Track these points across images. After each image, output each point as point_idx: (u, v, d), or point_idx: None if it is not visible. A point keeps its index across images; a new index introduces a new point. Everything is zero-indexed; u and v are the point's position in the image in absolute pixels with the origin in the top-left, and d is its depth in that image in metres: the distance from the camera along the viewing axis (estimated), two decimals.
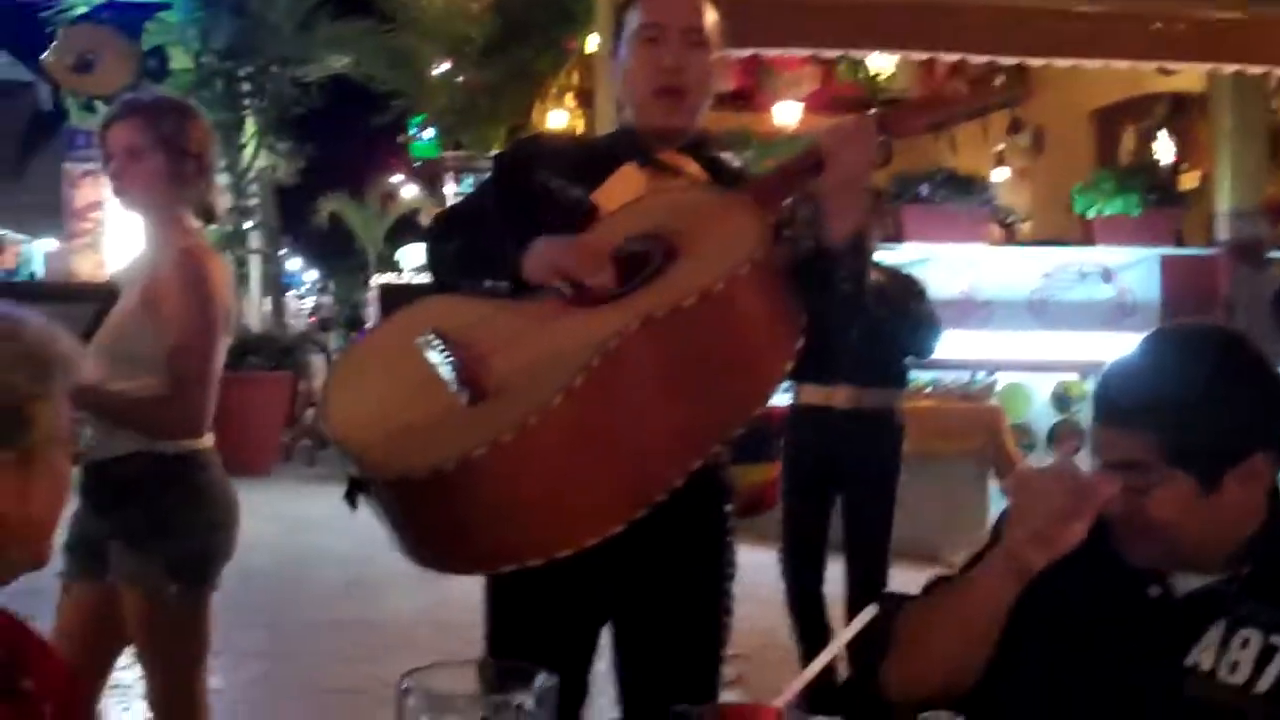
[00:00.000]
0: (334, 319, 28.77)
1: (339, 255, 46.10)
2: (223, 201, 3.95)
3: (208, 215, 3.86)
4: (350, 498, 2.45)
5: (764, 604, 5.74)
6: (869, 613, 1.66)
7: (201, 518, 3.61)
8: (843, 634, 1.66)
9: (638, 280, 2.42)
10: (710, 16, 2.89)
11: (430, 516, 2.33)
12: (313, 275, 53.04)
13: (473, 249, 2.78)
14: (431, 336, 2.44)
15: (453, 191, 37.02)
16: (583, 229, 2.64)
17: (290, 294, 31.70)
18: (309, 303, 38.86)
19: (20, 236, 39.49)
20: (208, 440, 3.66)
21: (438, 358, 2.39)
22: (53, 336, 1.66)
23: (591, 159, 2.90)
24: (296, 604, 8.06)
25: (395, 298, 21.52)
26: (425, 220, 36.52)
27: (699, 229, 2.49)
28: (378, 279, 29.27)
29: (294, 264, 40.53)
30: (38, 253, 39.08)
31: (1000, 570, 2.04)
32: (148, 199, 3.73)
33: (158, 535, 3.52)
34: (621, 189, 2.79)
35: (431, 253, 2.95)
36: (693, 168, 2.90)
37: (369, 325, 23.43)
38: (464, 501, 2.26)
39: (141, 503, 3.51)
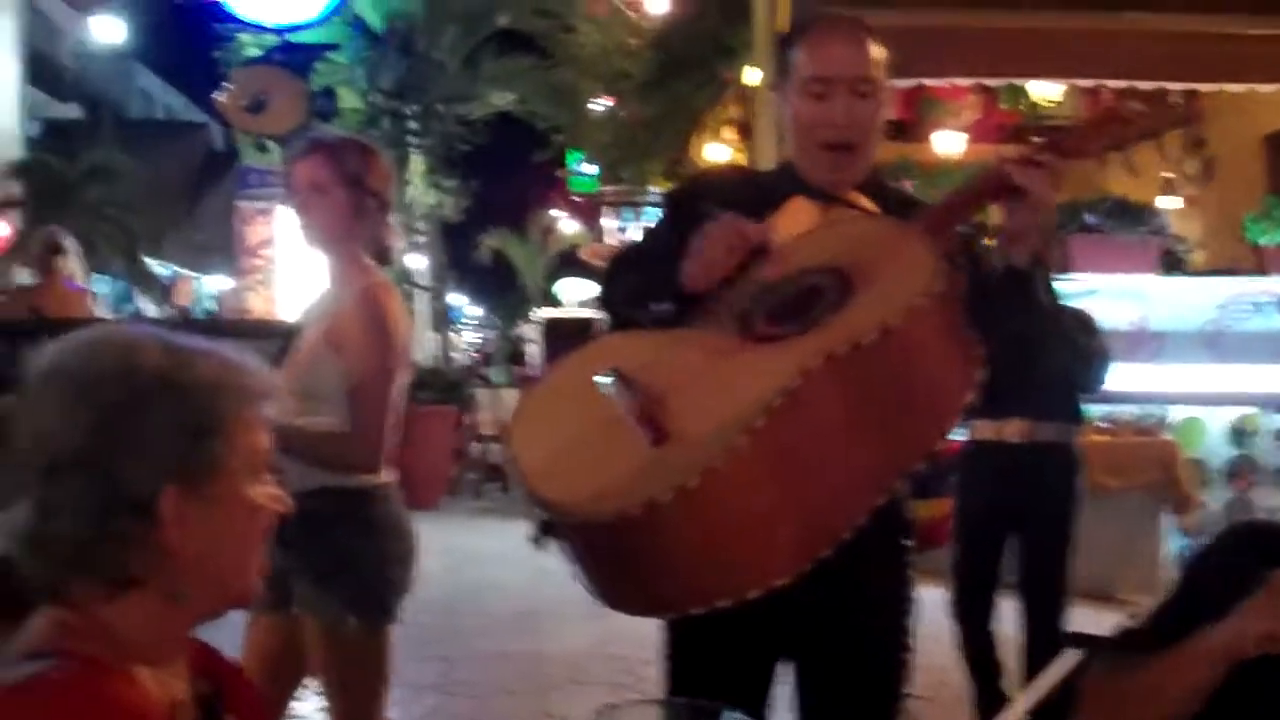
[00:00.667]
0: (495, 353, 29.07)
1: (501, 290, 46.63)
2: (398, 242, 3.99)
3: (382, 256, 3.91)
4: (537, 539, 2.46)
5: (934, 642, 5.65)
6: (1070, 659, 1.63)
7: (381, 552, 3.66)
8: (1043, 677, 1.63)
9: (814, 316, 2.40)
10: (877, 54, 2.85)
11: (618, 559, 2.33)
12: (475, 310, 53.69)
13: (647, 286, 2.78)
14: (612, 374, 2.45)
15: (612, 226, 37.36)
16: (754, 261, 2.64)
17: (453, 329, 32.09)
18: (471, 338, 39.32)
19: (193, 274, 40.64)
20: (386, 475, 3.71)
21: (618, 398, 2.40)
22: (252, 369, 1.68)
23: (761, 192, 2.89)
24: (467, 637, 8.13)
25: (558, 332, 21.73)
26: (585, 255, 36.86)
27: (874, 262, 2.47)
28: (540, 313, 29.53)
29: (456, 299, 41.05)
30: (209, 289, 40.18)
31: (1217, 656, 1.97)
32: (329, 235, 3.81)
33: (339, 569, 3.58)
34: (792, 222, 2.78)
35: (607, 292, 2.96)
36: (863, 200, 2.88)
37: (532, 359, 23.65)
38: (652, 545, 2.25)
39: (323, 537, 3.57)
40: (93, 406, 1.55)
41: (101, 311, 11.08)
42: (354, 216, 3.77)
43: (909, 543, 2.92)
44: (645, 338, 2.65)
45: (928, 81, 10.39)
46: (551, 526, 2.41)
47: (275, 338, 3.32)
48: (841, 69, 2.80)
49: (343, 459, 3.60)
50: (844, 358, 2.27)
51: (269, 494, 1.68)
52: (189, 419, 1.58)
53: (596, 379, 2.46)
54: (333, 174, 3.78)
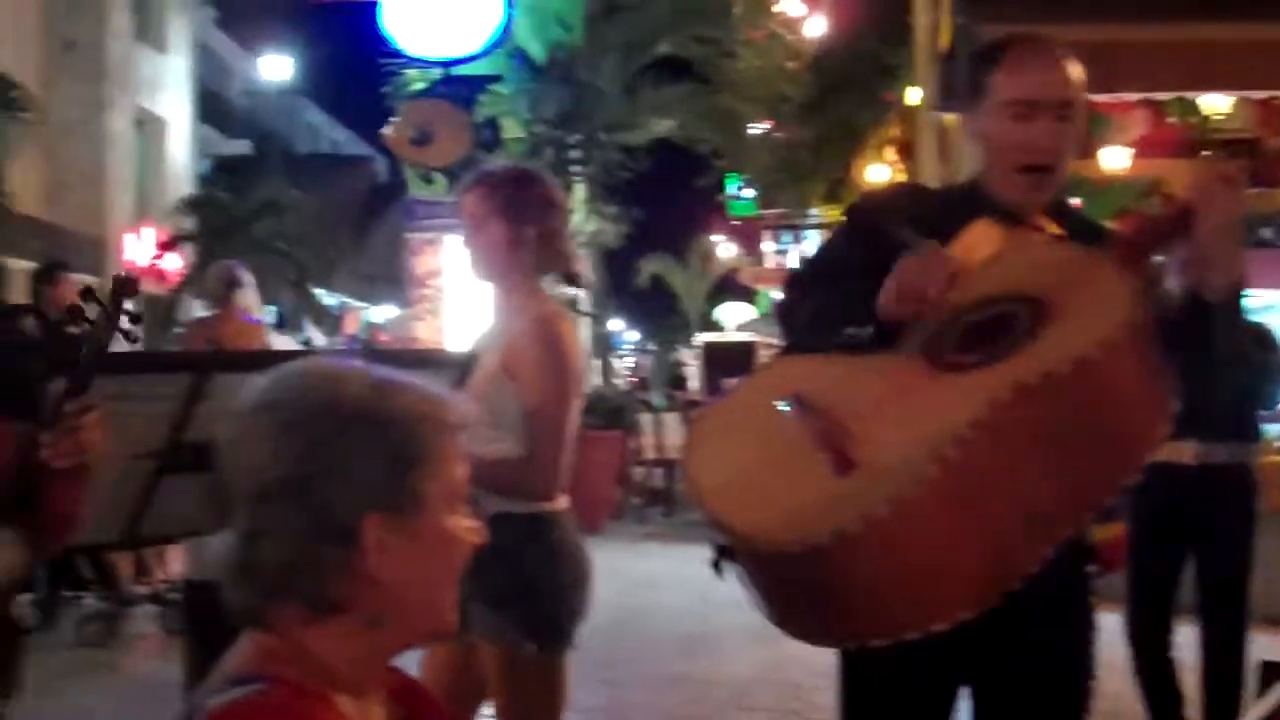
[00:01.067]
0: (652, 378, 29.19)
1: (660, 315, 46.86)
2: (580, 263, 4.01)
3: (570, 279, 3.94)
4: (717, 565, 2.46)
5: (1110, 669, 5.53)
6: None
7: (557, 578, 3.68)
8: (1256, 707, 1.59)
9: (1005, 345, 2.37)
10: (1077, 76, 2.80)
11: (799, 588, 2.32)
12: (633, 335, 53.98)
13: (827, 307, 2.76)
14: (792, 401, 2.44)
15: (771, 249, 37.33)
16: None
17: (614, 355, 32.30)
18: (629, 362, 39.55)
19: (360, 304, 41.48)
20: (562, 502, 3.74)
21: (800, 423, 2.38)
22: (452, 401, 1.71)
23: (943, 212, 2.85)
24: (635, 661, 8.14)
25: (718, 356, 21.75)
26: (745, 279, 36.87)
27: (1065, 289, 2.42)
28: (700, 337, 29.59)
29: (614, 325, 41.34)
30: (376, 319, 40.93)
31: None
32: (492, 266, 3.86)
33: (516, 595, 3.61)
34: (976, 244, 2.73)
35: (784, 314, 2.95)
36: (1049, 224, 2.83)
37: (692, 384, 23.68)
38: (837, 575, 2.24)
39: (500, 563, 3.59)
40: (300, 436, 1.59)
41: (277, 343, 11.32)
42: (513, 246, 3.81)
43: (1091, 568, 2.87)
44: (826, 362, 2.63)
45: (1094, 97, 10.21)
46: (729, 552, 2.40)
47: (453, 367, 3.36)
48: (1045, 92, 2.76)
49: (520, 485, 3.63)
50: (1036, 389, 2.24)
51: (466, 525, 1.71)
52: (392, 449, 1.61)
53: (776, 403, 2.46)
54: (488, 206, 3.83)
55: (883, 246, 2.72)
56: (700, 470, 2.48)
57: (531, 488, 3.65)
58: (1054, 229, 2.82)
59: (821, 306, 2.78)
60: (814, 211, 23.56)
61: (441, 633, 1.74)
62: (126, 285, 2.51)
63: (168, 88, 32.35)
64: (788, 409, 2.44)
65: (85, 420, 2.50)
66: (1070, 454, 2.29)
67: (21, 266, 13.39)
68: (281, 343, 16.55)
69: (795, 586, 2.33)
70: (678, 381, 25.68)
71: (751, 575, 2.40)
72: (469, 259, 3.93)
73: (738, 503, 2.38)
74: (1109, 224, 3.15)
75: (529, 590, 3.61)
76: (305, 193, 29.62)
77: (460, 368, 3.34)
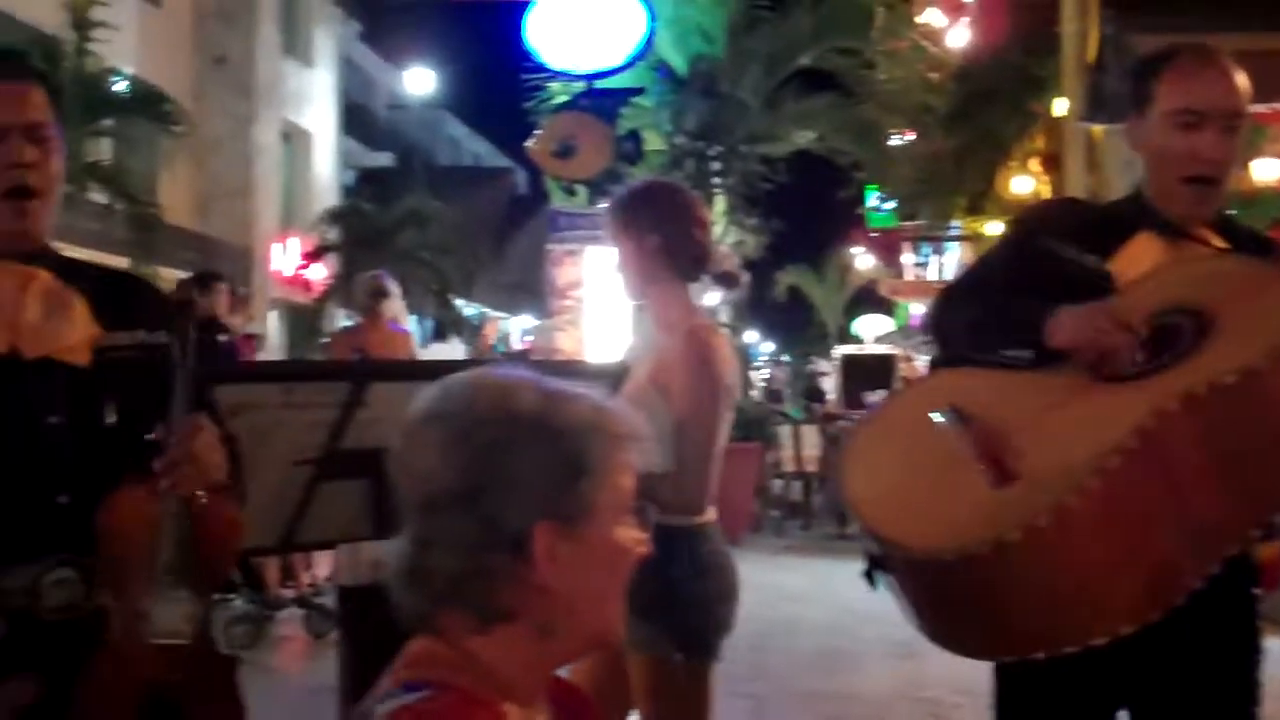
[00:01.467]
0: (789, 390, 29.07)
1: (796, 327, 46.71)
2: (732, 264, 3.99)
3: (724, 280, 3.92)
4: (869, 575, 2.44)
5: (1276, 699, 5.39)
6: None
7: (706, 590, 3.68)
8: None
9: (1170, 356, 2.32)
10: (1245, 87, 2.75)
11: (956, 599, 2.30)
12: (768, 347, 53.86)
13: (985, 320, 2.73)
14: (949, 412, 2.42)
15: (910, 261, 37.07)
16: (1100, 297, 2.57)
17: (751, 366, 32.23)
18: (765, 374, 39.53)
19: (500, 314, 41.88)
20: (710, 514, 3.74)
21: (957, 435, 2.36)
22: (621, 412, 1.72)
23: (1104, 226, 2.81)
24: (775, 676, 8.10)
25: (856, 368, 21.63)
26: (883, 291, 36.65)
27: (1232, 301, 2.38)
28: (838, 350, 29.44)
29: (749, 336, 41.28)
30: (515, 330, 41.33)
31: None
32: (633, 282, 3.89)
33: (664, 606, 3.61)
34: (1139, 258, 2.70)
35: (940, 326, 2.92)
36: (1214, 237, 2.78)
37: (830, 396, 23.56)
38: (993, 586, 2.21)
39: (652, 574, 3.59)
40: (471, 446, 1.61)
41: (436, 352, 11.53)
42: (649, 259, 3.81)
43: (1257, 590, 2.80)
44: (983, 375, 2.61)
45: (1253, 107, 9.99)
46: (883, 562, 2.39)
47: (605, 378, 3.37)
48: (1215, 102, 2.72)
49: (669, 498, 3.64)
50: (1202, 399, 2.20)
51: (633, 536, 1.71)
52: (562, 459, 1.62)
53: (933, 415, 2.44)
54: (619, 224, 3.87)
55: (1044, 261, 2.68)
56: (856, 481, 2.48)
57: (681, 500, 3.65)
58: (1218, 242, 2.76)
59: (979, 320, 2.75)
60: (955, 224, 23.30)
61: (608, 642, 1.75)
62: (188, 309, 2.46)
63: (313, 101, 33.02)
64: (944, 420, 2.42)
65: (199, 444, 2.44)
66: (1236, 466, 2.24)
67: (172, 275, 13.69)
68: (441, 352, 16.73)
69: (951, 598, 2.31)
70: (815, 394, 25.51)
71: (906, 586, 2.39)
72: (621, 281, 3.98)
73: (894, 513, 2.37)
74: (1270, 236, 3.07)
75: (677, 602, 3.61)
76: (446, 204, 30.00)
77: (612, 379, 3.35)
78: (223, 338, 8.41)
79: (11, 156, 2.50)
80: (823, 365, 29.40)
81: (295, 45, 32.12)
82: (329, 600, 8.68)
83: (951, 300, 2.92)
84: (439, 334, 21.27)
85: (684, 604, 3.62)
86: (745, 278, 3.95)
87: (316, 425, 2.89)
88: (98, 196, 18.71)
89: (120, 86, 17.90)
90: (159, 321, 2.67)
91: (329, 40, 34.39)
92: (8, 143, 2.51)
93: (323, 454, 2.92)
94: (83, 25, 17.60)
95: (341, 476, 2.93)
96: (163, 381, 2.53)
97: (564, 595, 1.63)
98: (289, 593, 9.10)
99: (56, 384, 2.43)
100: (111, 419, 2.49)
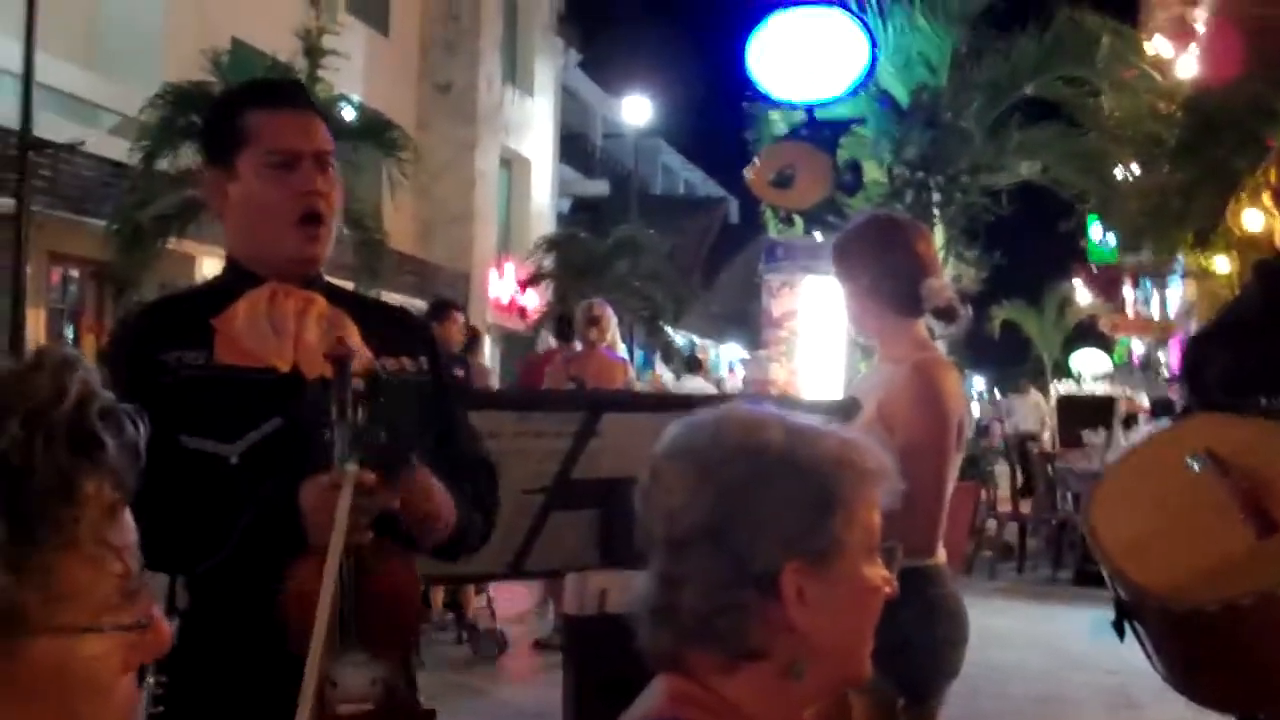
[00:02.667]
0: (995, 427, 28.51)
1: (1010, 362, 45.88)
2: (950, 297, 3.88)
3: (945, 315, 3.82)
4: (1119, 626, 2.35)
5: None
6: None
7: (935, 634, 3.59)
8: None
9: None
10: None
11: (1214, 651, 2.21)
12: (978, 383, 53.08)
13: (1239, 366, 2.63)
14: (1206, 459, 2.32)
15: (1131, 297, 36.14)
16: None
17: None
18: (977, 411, 38.94)
19: (709, 343, 42.05)
20: (940, 556, 3.65)
21: (1215, 483, 2.27)
22: (869, 448, 1.68)
23: None
24: None
25: (1074, 408, 21.11)
26: (1103, 327, 35.80)
27: None
28: (1057, 388, 28.83)
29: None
30: (723, 359, 41.45)
31: None
32: (857, 317, 3.85)
33: (895, 650, 3.52)
34: None
35: (1191, 372, 2.82)
36: None
37: (1045, 435, 23.04)
38: (1256, 638, 2.12)
39: (881, 616, 3.53)
40: (719, 484, 1.59)
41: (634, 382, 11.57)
42: (872, 295, 3.75)
43: None
44: (1239, 423, 2.51)
45: None
46: (1132, 611, 2.30)
47: (834, 414, 3.32)
48: None
49: (898, 538, 3.56)
50: None
51: (881, 575, 1.67)
52: (811, 496, 1.59)
53: (1189, 461, 2.35)
54: (838, 262, 3.84)
55: None
56: (1105, 527, 2.40)
57: (909, 541, 3.56)
58: None
59: (1233, 366, 2.66)
60: (1180, 259, 22.64)
61: (856, 682, 1.72)
62: (345, 361, 2.39)
63: (532, 129, 33.62)
64: (1200, 467, 2.32)
65: (414, 493, 2.41)
66: None
67: (395, 300, 14.04)
68: (691, 387, 16.77)
69: (1207, 649, 2.22)
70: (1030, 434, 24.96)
71: (1158, 636, 2.30)
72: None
73: (1147, 560, 2.29)
74: None
75: (905, 645, 3.52)
76: (659, 232, 30.24)
77: (843, 414, 3.30)
78: (458, 372, 8.49)
79: (305, 184, 2.55)
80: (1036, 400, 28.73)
81: (516, 74, 32.77)
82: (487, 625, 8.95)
83: (1206, 346, 2.82)
84: (693, 366, 21.36)
85: (915, 649, 3.53)
86: (966, 312, 3.85)
87: (550, 454, 2.91)
88: None
89: (348, 114, 18.45)
90: (420, 351, 2.71)
91: (549, 69, 35.02)
92: (300, 170, 2.56)
93: (554, 482, 2.93)
94: (314, 53, 18.21)
95: (572, 506, 2.93)
96: (423, 410, 2.58)
97: (814, 634, 1.60)
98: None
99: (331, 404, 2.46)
100: (380, 440, 2.52)
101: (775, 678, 1.62)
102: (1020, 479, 16.39)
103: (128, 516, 1.09)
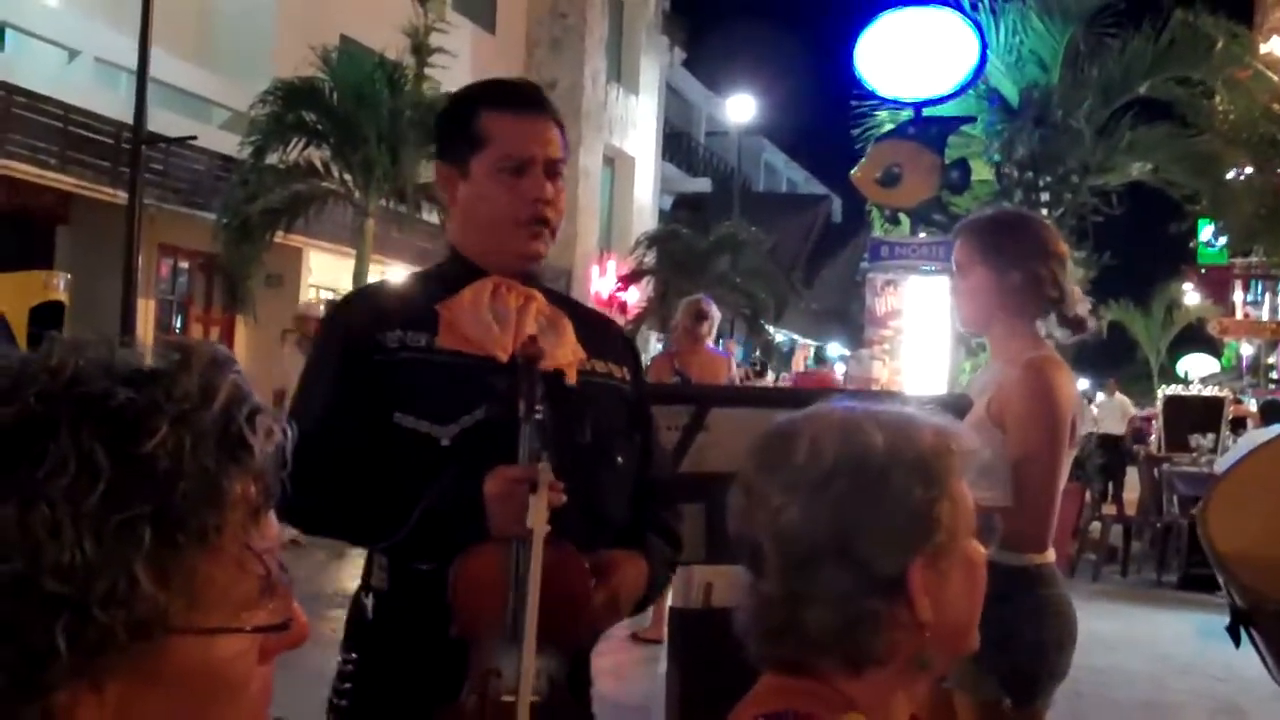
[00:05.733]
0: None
1: (1115, 364, 45.27)
2: (1086, 309, 3.82)
3: (1073, 325, 3.78)
4: (1234, 632, 2.32)
5: None
6: None
7: (1042, 635, 3.55)
8: None
9: None
10: None
11: None
12: (1082, 384, 52.40)
13: None
14: None
15: (1241, 300, 35.50)
16: None
17: None
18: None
19: (809, 341, 41.88)
20: (1050, 555, 3.61)
21: None
22: (960, 430, 1.67)
23: None
24: None
25: (1182, 411, 20.79)
26: (1211, 330, 35.20)
27: None
28: (1164, 391, 28.38)
29: None
30: (830, 357, 41.25)
31: None
32: (975, 312, 3.78)
33: (997, 648, 3.49)
34: None
35: None
36: None
37: (1152, 438, 22.70)
38: None
39: (988, 614, 3.50)
40: (832, 500, 1.57)
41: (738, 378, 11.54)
42: (997, 292, 3.70)
43: None
44: None
45: None
46: (1250, 617, 2.27)
47: (946, 410, 3.29)
48: None
49: (1008, 536, 3.53)
50: None
51: (979, 550, 1.66)
52: (919, 490, 1.58)
53: None
54: (972, 252, 3.75)
55: None
56: (1221, 533, 2.36)
57: (1020, 539, 3.54)
58: None
59: None
60: None
61: (967, 653, 1.70)
62: (535, 360, 2.44)
63: (636, 126, 33.69)
64: None
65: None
66: None
67: None
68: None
69: None
70: (1137, 435, 24.59)
71: (1275, 640, 2.26)
72: (955, 307, 3.88)
73: (1261, 565, 2.25)
74: None
75: (1012, 644, 3.50)
76: (761, 230, 30.15)
77: (954, 410, 3.27)
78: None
79: (534, 191, 2.59)
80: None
81: (621, 72, 32.84)
82: None
83: None
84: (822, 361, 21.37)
85: (1021, 648, 3.50)
86: (1094, 323, 3.80)
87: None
88: (430, 216, 19.49)
89: None
90: (625, 360, 2.76)
91: (653, 68, 35.06)
92: (532, 175, 2.59)
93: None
94: (421, 51, 18.38)
95: (680, 500, 2.94)
96: (627, 416, 2.65)
97: (937, 625, 1.59)
98: None
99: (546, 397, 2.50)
100: (587, 439, 2.56)
101: (900, 674, 1.61)
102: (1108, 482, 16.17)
103: (272, 519, 1.09)
